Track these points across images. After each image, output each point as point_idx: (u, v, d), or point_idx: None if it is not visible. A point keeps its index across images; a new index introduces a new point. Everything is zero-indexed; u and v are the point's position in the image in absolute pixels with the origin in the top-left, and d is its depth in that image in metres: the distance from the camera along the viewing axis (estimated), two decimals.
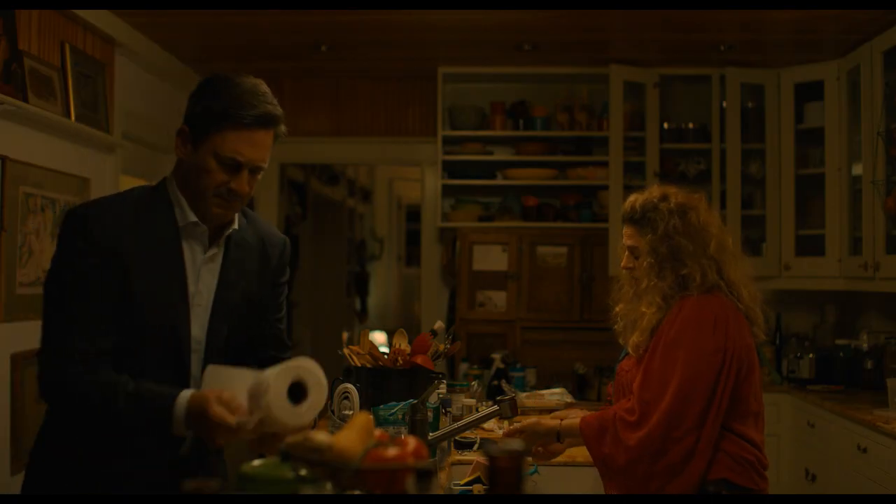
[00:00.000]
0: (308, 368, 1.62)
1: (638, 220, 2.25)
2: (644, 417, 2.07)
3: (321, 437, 1.28)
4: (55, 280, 1.76)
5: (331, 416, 2.74)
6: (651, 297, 2.19)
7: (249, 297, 1.95)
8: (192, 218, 1.83)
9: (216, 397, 1.61)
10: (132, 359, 1.77)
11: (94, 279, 1.73)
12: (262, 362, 1.87)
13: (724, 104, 4.70)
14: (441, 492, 2.25)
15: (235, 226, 1.91)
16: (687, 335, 2.11)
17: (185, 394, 1.67)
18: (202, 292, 1.87)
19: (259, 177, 1.87)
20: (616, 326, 2.42)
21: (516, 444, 1.10)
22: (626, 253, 2.31)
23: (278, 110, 1.83)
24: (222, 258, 1.91)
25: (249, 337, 1.98)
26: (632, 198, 2.30)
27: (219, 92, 1.78)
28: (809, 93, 4.61)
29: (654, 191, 2.29)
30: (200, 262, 1.87)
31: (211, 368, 1.75)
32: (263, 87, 1.84)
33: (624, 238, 2.31)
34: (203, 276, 1.87)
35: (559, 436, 2.28)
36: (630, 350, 2.24)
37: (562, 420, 2.29)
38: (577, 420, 2.23)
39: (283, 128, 1.86)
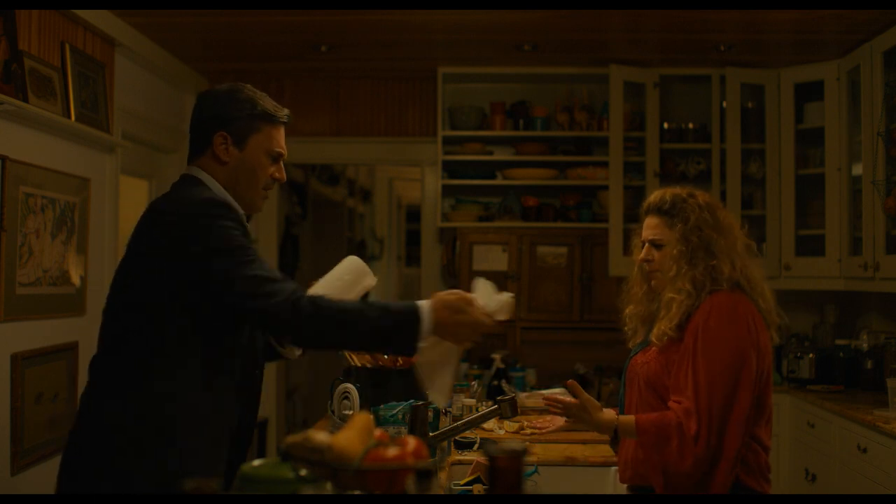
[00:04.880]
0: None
1: (667, 210, 2.26)
2: (701, 427, 2.05)
3: (321, 437, 1.28)
4: (234, 245, 1.92)
5: (331, 416, 2.74)
6: (681, 283, 2.18)
7: None
8: (241, 210, 2.07)
9: (465, 299, 1.96)
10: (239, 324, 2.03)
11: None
12: None
13: (724, 104, 4.70)
14: (441, 492, 2.25)
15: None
16: (724, 334, 2.10)
17: (423, 301, 1.96)
18: None
19: None
20: (626, 328, 2.42)
21: (516, 444, 1.10)
22: (647, 246, 2.29)
23: None
24: None
25: None
26: (659, 192, 2.32)
27: (252, 99, 2.05)
28: (809, 93, 4.61)
29: (677, 189, 2.31)
30: None
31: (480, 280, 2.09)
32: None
33: (645, 231, 2.30)
34: None
35: (616, 432, 2.21)
36: (654, 339, 2.22)
37: (619, 416, 2.23)
38: (633, 419, 2.18)
39: None
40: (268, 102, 2.08)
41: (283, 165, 2.13)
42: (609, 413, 2.26)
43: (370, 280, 2.28)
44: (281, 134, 2.10)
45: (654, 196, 2.32)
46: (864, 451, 3.49)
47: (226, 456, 2.02)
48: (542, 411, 3.35)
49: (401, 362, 2.82)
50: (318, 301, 1.89)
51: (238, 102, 2.04)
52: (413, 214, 9.78)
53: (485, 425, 2.98)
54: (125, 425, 1.90)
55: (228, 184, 2.05)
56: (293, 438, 1.29)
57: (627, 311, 2.40)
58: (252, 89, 2.09)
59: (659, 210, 2.27)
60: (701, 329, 2.12)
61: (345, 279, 2.25)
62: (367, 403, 2.68)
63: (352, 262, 2.29)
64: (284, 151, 2.11)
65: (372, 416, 1.38)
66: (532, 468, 2.40)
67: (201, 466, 1.91)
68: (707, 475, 2.07)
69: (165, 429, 1.91)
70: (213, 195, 1.99)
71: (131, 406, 1.91)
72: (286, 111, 2.12)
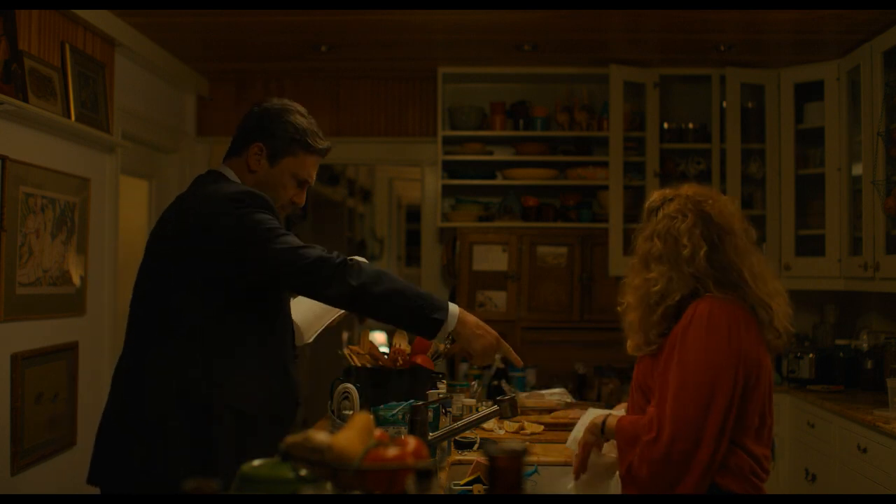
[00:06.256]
0: None
1: (642, 219, 2.26)
2: (661, 433, 2.02)
3: (321, 437, 1.28)
4: (264, 227, 2.02)
5: (331, 416, 2.74)
6: (630, 296, 2.18)
7: None
8: None
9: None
10: (279, 311, 2.19)
11: None
12: None
13: (724, 104, 4.70)
14: (441, 492, 2.25)
15: None
16: (700, 343, 2.04)
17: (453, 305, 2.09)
18: None
19: None
20: (623, 325, 2.41)
21: (516, 444, 1.10)
22: None
23: None
24: None
25: None
26: (651, 195, 2.30)
27: (298, 124, 2.18)
28: (809, 93, 4.61)
29: (668, 192, 2.23)
30: None
31: None
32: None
33: None
34: None
35: (604, 429, 2.20)
36: (629, 351, 2.23)
37: (607, 416, 2.22)
38: (616, 418, 2.18)
39: None
40: (311, 130, 2.20)
41: (305, 192, 2.25)
42: (599, 416, 2.26)
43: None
44: (314, 163, 2.23)
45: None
46: (864, 451, 3.49)
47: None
48: (541, 411, 3.36)
49: (401, 362, 2.83)
50: (354, 260, 2.02)
51: (284, 123, 2.17)
52: (413, 214, 9.77)
53: (485, 425, 2.97)
54: (184, 413, 2.00)
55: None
56: (293, 438, 1.29)
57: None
58: (304, 113, 2.21)
59: (641, 219, 2.28)
60: (679, 338, 2.08)
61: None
62: (367, 403, 2.68)
63: None
64: (311, 180, 2.23)
65: (372, 416, 1.38)
66: (532, 468, 2.40)
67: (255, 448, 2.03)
68: (672, 486, 2.03)
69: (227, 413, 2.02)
70: (239, 187, 2.10)
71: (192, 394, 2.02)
72: (326, 144, 2.24)
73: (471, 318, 2.10)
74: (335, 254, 2.02)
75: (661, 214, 2.18)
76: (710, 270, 2.10)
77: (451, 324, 2.05)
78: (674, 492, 2.04)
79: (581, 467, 2.25)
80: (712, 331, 2.05)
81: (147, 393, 2.02)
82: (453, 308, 2.07)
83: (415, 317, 2.05)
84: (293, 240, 2.03)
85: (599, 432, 2.21)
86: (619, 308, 2.22)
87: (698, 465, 2.01)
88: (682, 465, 2.02)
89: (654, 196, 2.26)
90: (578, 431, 2.23)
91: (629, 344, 2.21)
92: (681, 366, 2.05)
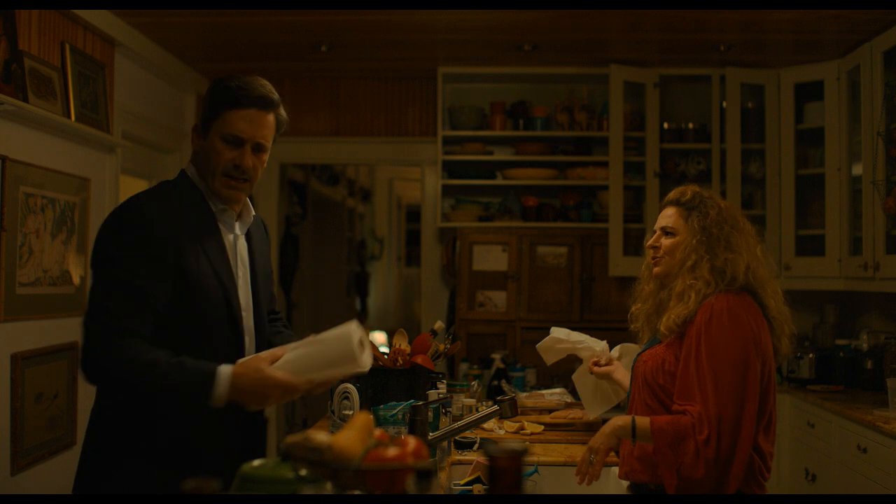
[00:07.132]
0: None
1: (686, 202, 2.27)
2: (711, 431, 2.03)
3: (321, 437, 1.28)
4: (112, 265, 1.89)
5: (331, 416, 2.74)
6: (699, 272, 2.18)
7: (267, 268, 2.26)
8: (222, 205, 2.08)
9: (268, 359, 1.86)
10: (197, 327, 1.97)
11: (149, 266, 1.89)
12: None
13: (724, 104, 4.70)
14: (441, 492, 2.25)
15: (253, 211, 2.18)
16: (725, 334, 2.08)
17: (225, 366, 1.85)
18: (240, 266, 2.12)
19: (265, 158, 2.09)
20: (633, 326, 2.41)
21: (516, 444, 1.10)
22: (657, 233, 2.30)
23: (274, 94, 2.07)
24: (247, 237, 2.17)
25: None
26: (683, 187, 2.34)
27: (216, 88, 2.05)
28: (809, 93, 4.61)
29: (703, 191, 2.32)
30: (233, 240, 2.11)
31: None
32: (263, 80, 2.08)
33: (659, 220, 2.32)
34: (239, 253, 2.12)
35: (635, 432, 2.16)
36: (663, 328, 2.21)
37: (635, 417, 2.19)
38: (647, 420, 2.15)
39: (283, 113, 2.11)
40: (231, 87, 2.01)
41: (248, 151, 2.01)
42: (622, 417, 2.23)
43: (356, 368, 1.85)
44: (242, 116, 1.99)
45: (675, 190, 2.34)
46: (864, 451, 3.49)
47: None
48: (541, 411, 3.35)
49: (401, 362, 2.83)
50: (127, 349, 1.82)
51: (210, 92, 2.06)
52: (413, 214, 9.78)
53: (485, 425, 2.97)
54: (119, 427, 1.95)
55: (201, 175, 2.06)
56: (293, 438, 1.29)
57: (634, 308, 2.40)
58: (233, 77, 2.04)
59: (677, 202, 2.29)
60: (704, 332, 2.10)
61: (325, 356, 1.86)
62: (367, 403, 2.68)
63: (342, 343, 1.85)
64: (242, 133, 2.00)
65: (372, 416, 1.38)
66: (532, 468, 2.40)
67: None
68: (720, 483, 2.05)
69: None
70: (138, 203, 1.95)
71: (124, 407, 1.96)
72: (252, 94, 2.01)
73: (246, 383, 1.83)
74: (128, 340, 1.82)
75: (713, 204, 2.25)
76: (744, 277, 2.19)
77: (222, 385, 1.82)
78: (721, 491, 2.05)
79: (594, 474, 2.19)
80: (735, 324, 2.10)
81: (120, 399, 1.97)
82: (222, 382, 1.83)
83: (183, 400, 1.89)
84: (112, 298, 1.84)
85: (629, 435, 2.16)
86: (691, 281, 2.21)
87: (740, 463, 2.04)
88: (728, 463, 2.05)
89: (687, 189, 2.31)
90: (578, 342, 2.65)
91: (667, 319, 2.21)
92: (713, 362, 2.08)
